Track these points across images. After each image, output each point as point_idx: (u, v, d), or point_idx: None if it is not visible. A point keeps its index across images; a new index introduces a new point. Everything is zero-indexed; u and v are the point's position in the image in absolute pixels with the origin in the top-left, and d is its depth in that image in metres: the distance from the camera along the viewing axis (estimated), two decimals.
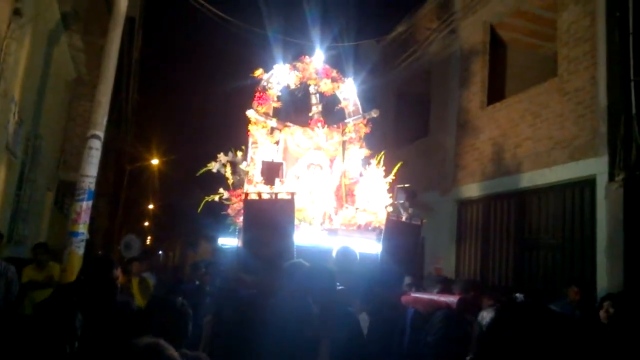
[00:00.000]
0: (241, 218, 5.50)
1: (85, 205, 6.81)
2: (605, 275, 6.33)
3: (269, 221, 4.87)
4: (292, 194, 5.10)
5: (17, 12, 6.44)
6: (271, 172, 5.72)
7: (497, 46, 9.25)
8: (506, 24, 9.13)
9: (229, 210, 6.08)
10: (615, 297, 4.86)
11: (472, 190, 8.98)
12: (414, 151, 10.62)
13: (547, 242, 7.44)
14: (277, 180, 5.71)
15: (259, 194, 5.20)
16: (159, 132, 27.63)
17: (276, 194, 5.14)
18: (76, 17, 8.72)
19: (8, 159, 7.18)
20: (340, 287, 3.60)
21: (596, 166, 6.66)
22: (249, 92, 6.68)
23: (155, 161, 26.12)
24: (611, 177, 6.46)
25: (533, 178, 7.67)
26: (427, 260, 9.66)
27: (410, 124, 11.21)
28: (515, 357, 1.33)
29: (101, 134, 7.00)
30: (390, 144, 10.07)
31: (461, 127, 9.47)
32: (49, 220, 10.85)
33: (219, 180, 6.42)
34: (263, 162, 5.94)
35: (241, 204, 5.51)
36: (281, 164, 5.99)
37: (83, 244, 6.82)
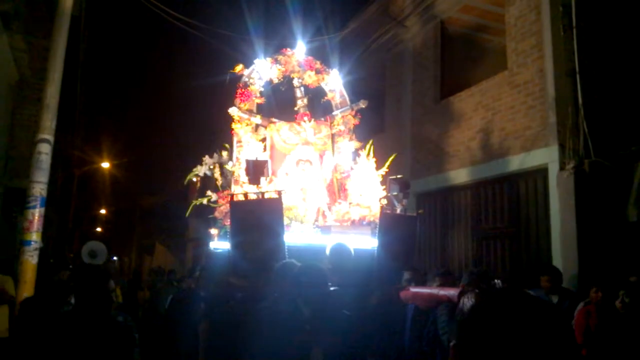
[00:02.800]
0: (229, 220, 5.30)
1: (37, 213, 6.55)
2: (560, 262, 6.57)
3: (257, 222, 4.79)
4: (280, 192, 5.00)
5: None
6: (256, 170, 5.55)
7: (448, 41, 9.44)
8: (455, 19, 9.33)
9: (216, 213, 5.96)
10: (630, 287, 5.01)
11: (429, 183, 9.15)
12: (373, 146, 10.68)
13: (504, 231, 7.66)
14: (262, 178, 5.56)
15: (245, 195, 5.10)
16: (110, 135, 26.78)
17: (263, 194, 5.02)
18: (17, 16, 8.33)
19: None
20: (333, 288, 3.52)
21: (547, 156, 6.90)
22: (230, 90, 6.49)
23: (105, 164, 25.37)
24: (562, 166, 6.71)
25: (487, 169, 7.88)
26: None
27: (367, 119, 11.26)
28: (497, 342, 1.36)
29: (50, 137, 6.74)
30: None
31: (416, 121, 9.62)
32: None
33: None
34: (247, 161, 5.76)
35: (228, 206, 5.38)
36: (266, 161, 5.82)
37: (37, 253, 6.55)
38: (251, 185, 5.41)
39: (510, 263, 7.42)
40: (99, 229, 37.89)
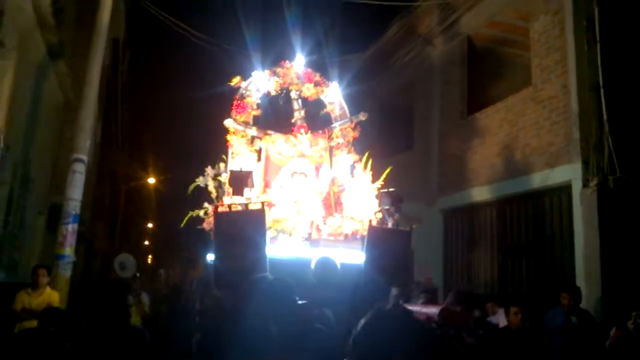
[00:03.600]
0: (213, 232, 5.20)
1: (71, 228, 6.92)
2: (584, 279, 6.42)
3: (239, 233, 4.72)
4: (263, 203, 4.94)
5: None
6: (239, 181, 5.47)
7: (474, 57, 9.41)
8: (482, 35, 9.30)
9: (205, 225, 5.85)
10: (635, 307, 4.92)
11: (455, 199, 9.10)
12: (400, 163, 10.70)
13: (528, 248, 7.53)
14: (247, 189, 5.49)
15: (229, 206, 5.02)
16: (153, 151, 27.73)
17: (247, 205, 4.97)
18: (61, 48, 8.88)
19: None
20: (302, 302, 3.47)
21: (571, 172, 6.78)
22: (230, 102, 6.44)
23: (151, 180, 26.26)
24: (585, 183, 6.58)
25: (512, 186, 7.79)
26: (417, 270, 9.72)
27: (395, 136, 11.34)
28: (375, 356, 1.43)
29: (84, 157, 7.13)
30: (375, 156, 10.17)
31: (443, 137, 9.61)
32: (42, 244, 10.93)
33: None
34: (230, 172, 5.69)
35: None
36: (250, 172, 5.70)
37: (70, 266, 6.92)
38: (236, 196, 5.35)
39: (534, 281, 7.28)
40: (146, 242, 39.11)
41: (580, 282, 6.47)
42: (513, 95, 8.03)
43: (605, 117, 6.59)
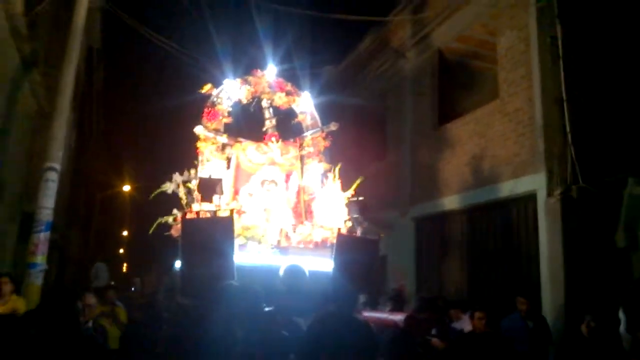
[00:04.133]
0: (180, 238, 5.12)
1: (43, 237, 6.90)
2: (549, 286, 6.65)
3: (206, 240, 4.70)
4: (232, 210, 4.94)
5: None
6: (208, 188, 5.45)
7: (445, 69, 9.65)
8: (453, 48, 9.56)
9: (172, 231, 5.79)
10: (596, 312, 5.12)
11: (427, 208, 9.29)
12: (374, 172, 10.87)
13: (496, 255, 7.75)
14: (216, 196, 5.45)
15: (197, 213, 5.01)
16: (129, 159, 27.50)
17: (215, 212, 4.97)
18: (35, 58, 8.86)
19: None
20: (268, 309, 3.53)
21: (536, 182, 7.02)
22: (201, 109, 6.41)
23: (126, 187, 26.04)
24: (549, 193, 6.82)
25: (481, 195, 8.01)
26: (390, 278, 9.88)
27: (369, 146, 11.52)
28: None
29: (57, 166, 7.13)
30: (350, 165, 10.32)
31: (415, 147, 9.81)
32: (13, 253, 10.79)
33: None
34: (200, 179, 5.69)
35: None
36: (219, 179, 5.69)
37: (42, 275, 6.89)
38: (205, 204, 5.35)
39: (502, 287, 7.48)
40: (121, 250, 38.63)
41: (545, 288, 6.71)
42: (481, 108, 8.28)
43: (568, 129, 6.85)
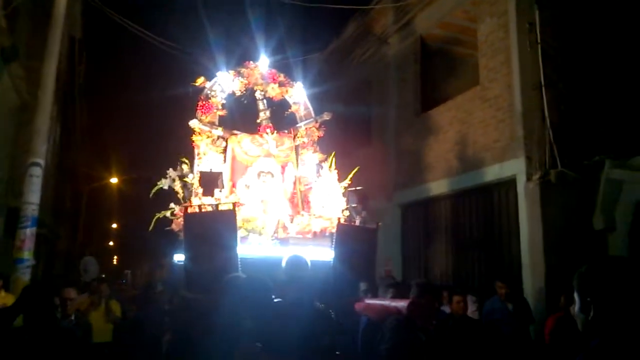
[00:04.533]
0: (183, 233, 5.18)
1: (29, 232, 6.91)
2: (529, 270, 6.80)
3: (210, 234, 4.75)
4: (234, 204, 4.98)
5: None
6: (209, 182, 5.53)
7: (427, 56, 9.72)
8: (435, 35, 9.62)
9: (173, 226, 5.82)
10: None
11: (412, 194, 9.41)
12: (359, 159, 10.96)
13: (479, 240, 7.89)
14: (217, 190, 5.52)
15: (199, 207, 5.05)
16: (116, 151, 27.35)
17: (217, 206, 5.01)
18: (15, 51, 8.79)
19: None
20: (277, 300, 3.56)
21: (516, 167, 7.15)
22: (194, 102, 6.39)
23: (114, 180, 25.92)
24: (528, 177, 6.95)
25: (463, 180, 8.13)
26: (378, 263, 9.99)
27: (354, 133, 11.60)
28: None
29: (41, 161, 7.11)
30: (339, 152, 10.40)
31: (399, 134, 9.91)
32: (2, 248, 10.78)
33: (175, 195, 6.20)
34: (200, 173, 5.76)
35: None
36: (220, 173, 5.78)
37: (29, 270, 6.92)
38: (206, 197, 5.41)
39: (485, 271, 7.64)
40: (111, 243, 38.55)
41: (526, 270, 6.86)
42: (462, 94, 8.37)
43: (546, 114, 6.97)
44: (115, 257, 41.20)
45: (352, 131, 11.73)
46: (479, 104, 7.92)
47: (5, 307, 5.63)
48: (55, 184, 15.69)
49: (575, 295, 1.77)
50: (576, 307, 1.76)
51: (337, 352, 3.42)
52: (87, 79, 15.19)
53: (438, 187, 8.75)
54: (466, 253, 8.17)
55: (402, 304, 4.40)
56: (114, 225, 35.85)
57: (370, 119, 11.16)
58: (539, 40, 7.11)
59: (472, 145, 8.01)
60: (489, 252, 7.67)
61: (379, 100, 10.84)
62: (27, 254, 6.86)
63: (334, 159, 6.23)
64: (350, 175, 6.19)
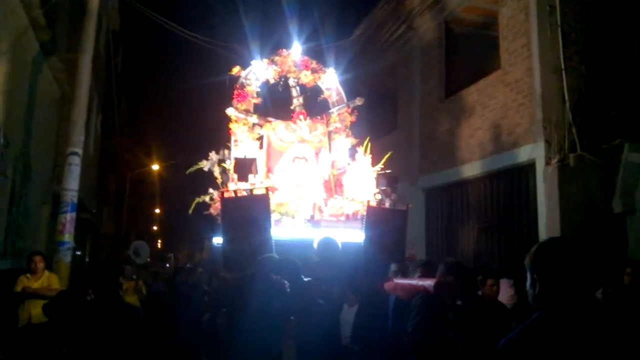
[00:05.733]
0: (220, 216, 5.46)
1: (69, 217, 7.44)
2: None
3: (245, 217, 5.00)
4: (267, 188, 5.22)
5: None
6: (243, 168, 5.73)
7: (452, 41, 9.72)
8: (459, 19, 9.60)
9: (211, 210, 6.11)
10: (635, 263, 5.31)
11: (435, 179, 9.50)
12: (386, 144, 11.08)
13: (499, 223, 7.95)
14: (251, 175, 5.73)
15: (235, 192, 5.31)
16: (158, 139, 28.23)
17: (252, 190, 5.24)
18: (54, 45, 9.31)
19: None
20: (307, 279, 3.79)
21: (535, 151, 7.17)
22: (230, 91, 6.61)
23: (156, 166, 26.80)
24: (547, 161, 6.97)
25: (485, 165, 8.18)
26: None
27: (382, 117, 11.71)
28: None
29: (79, 150, 7.61)
30: (366, 136, 10.56)
31: (424, 119, 9.98)
32: (47, 232, 11.49)
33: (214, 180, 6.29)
34: (235, 159, 5.98)
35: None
36: (254, 159, 5.97)
37: (70, 252, 7.44)
38: (241, 183, 5.63)
39: (505, 254, 7.71)
40: (155, 227, 39.87)
41: None
42: (484, 79, 8.37)
43: (566, 98, 6.94)
44: (160, 240, 42.60)
45: (379, 116, 11.85)
46: (500, 88, 7.93)
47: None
48: (98, 171, 16.46)
49: (527, 273, 1.96)
50: (527, 284, 1.95)
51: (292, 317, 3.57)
52: (126, 70, 15.78)
53: (461, 171, 8.81)
54: (487, 236, 8.24)
55: (429, 282, 4.46)
56: (157, 210, 37.04)
57: (397, 103, 11.25)
58: (559, 23, 7.06)
59: (494, 129, 8.03)
60: (509, 235, 7.74)
61: (405, 85, 10.91)
62: (68, 237, 7.39)
63: (368, 144, 6.31)
64: (383, 160, 6.33)
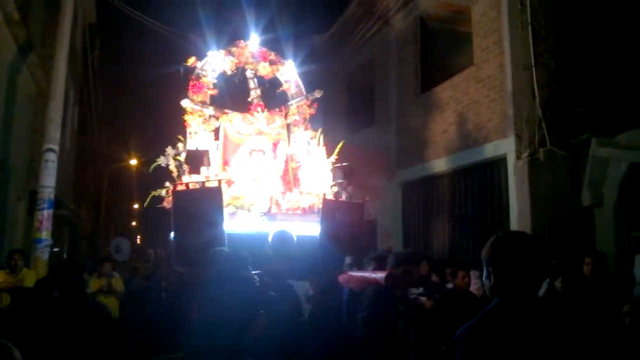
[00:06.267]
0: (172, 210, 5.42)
1: (46, 214, 7.41)
2: None
3: (198, 210, 4.96)
4: (220, 181, 5.19)
5: None
6: (195, 160, 5.65)
7: (427, 36, 9.86)
8: (434, 15, 9.75)
9: (165, 203, 6.08)
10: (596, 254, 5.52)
11: (412, 173, 9.67)
12: (364, 138, 11.24)
13: (473, 216, 8.16)
14: (204, 168, 5.65)
15: (187, 184, 5.26)
16: (132, 134, 27.95)
17: (204, 183, 5.21)
18: (30, 43, 9.23)
19: None
20: (255, 272, 3.68)
21: (506, 146, 7.37)
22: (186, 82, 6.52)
23: (133, 162, 26.58)
24: (518, 156, 7.17)
25: (459, 159, 8.37)
26: (379, 240, 10.34)
27: (359, 112, 11.84)
28: None
29: (55, 147, 7.58)
30: (344, 131, 10.67)
31: (400, 113, 10.14)
32: (24, 229, 11.39)
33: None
34: (187, 151, 5.90)
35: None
36: (206, 151, 5.86)
37: (47, 249, 7.43)
38: (194, 175, 5.59)
39: (479, 247, 7.89)
40: (133, 223, 39.52)
41: None
42: (458, 74, 8.55)
43: (536, 94, 7.14)
44: (139, 236, 42.24)
45: (357, 110, 11.98)
46: (473, 84, 8.11)
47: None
48: (75, 167, 16.31)
49: (484, 266, 2.09)
50: (484, 275, 2.08)
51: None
52: (102, 65, 15.63)
53: (436, 165, 8.99)
54: (462, 229, 8.44)
55: (380, 275, 4.58)
56: (136, 206, 36.71)
57: (374, 98, 11.38)
58: (529, 21, 7.25)
59: (467, 124, 8.22)
60: (482, 228, 7.93)
61: (382, 80, 11.05)
62: (45, 234, 7.36)
63: (321, 135, 6.34)
64: (336, 151, 6.29)
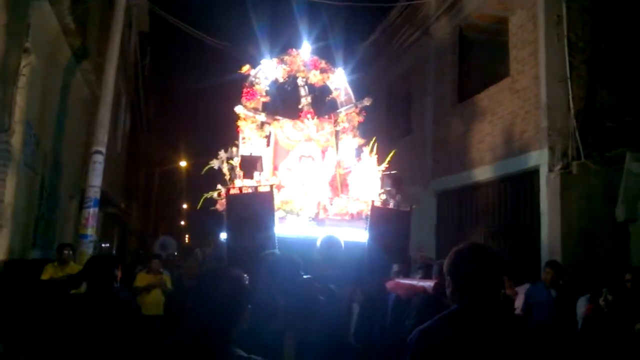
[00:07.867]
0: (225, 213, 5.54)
1: (92, 212, 7.91)
2: (547, 258, 6.98)
3: (250, 214, 5.04)
4: (272, 186, 5.27)
5: (26, 50, 7.53)
6: (249, 165, 5.76)
7: (465, 46, 9.87)
8: (472, 25, 9.74)
9: (218, 206, 6.17)
10: (613, 285, 5.22)
11: (447, 182, 9.68)
12: (402, 147, 11.27)
13: (505, 227, 8.11)
14: (257, 173, 5.78)
15: (240, 188, 5.36)
16: (183, 137, 28.90)
17: (256, 187, 5.30)
18: (85, 50, 9.82)
19: (28, 174, 8.33)
20: (306, 276, 3.80)
21: (540, 158, 7.31)
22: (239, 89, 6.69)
23: (183, 163, 27.48)
24: (550, 168, 7.11)
25: (493, 170, 8.35)
26: (413, 248, 10.35)
27: (399, 120, 11.93)
28: None
29: (103, 149, 8.07)
30: (382, 139, 10.76)
31: (436, 123, 10.17)
32: (75, 226, 12.07)
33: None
34: (241, 156, 6.04)
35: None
36: (260, 157, 6.02)
37: (92, 245, 7.92)
38: (247, 180, 5.69)
39: (510, 258, 7.85)
40: (182, 223, 40.73)
41: (544, 260, 7.03)
42: (495, 85, 8.52)
43: (571, 106, 7.07)
44: (187, 235, 43.49)
45: (397, 118, 12.07)
46: (508, 95, 8.08)
47: (72, 274, 6.58)
48: (127, 168, 17.09)
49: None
50: (446, 284, 2.22)
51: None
52: (154, 71, 16.32)
53: (471, 175, 8.98)
54: (493, 241, 8.40)
55: (428, 283, 4.59)
56: (185, 206, 37.86)
57: (411, 107, 11.45)
58: (566, 33, 7.19)
59: (502, 135, 8.19)
60: (514, 240, 7.89)
61: (419, 89, 11.11)
62: (90, 231, 7.86)
63: (374, 144, 6.39)
64: (387, 159, 6.35)
